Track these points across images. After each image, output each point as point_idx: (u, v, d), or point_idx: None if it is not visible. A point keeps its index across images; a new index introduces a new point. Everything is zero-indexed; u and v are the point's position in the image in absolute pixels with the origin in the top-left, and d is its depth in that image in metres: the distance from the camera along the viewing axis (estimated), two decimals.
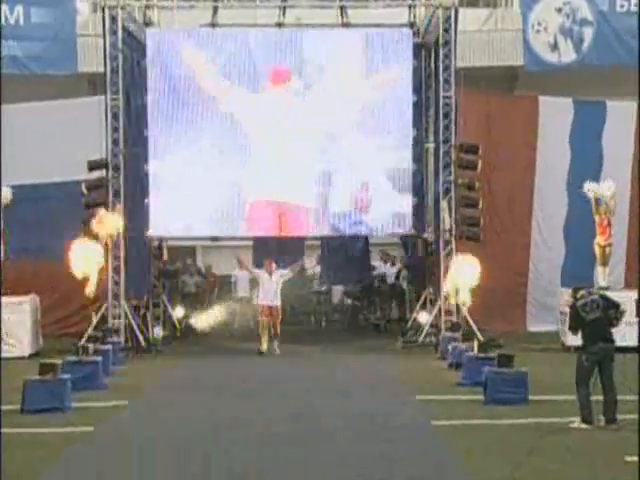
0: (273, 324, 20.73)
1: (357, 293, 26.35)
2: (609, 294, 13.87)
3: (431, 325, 21.68)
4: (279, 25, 22.74)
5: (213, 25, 22.61)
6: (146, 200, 22.40)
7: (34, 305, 21.14)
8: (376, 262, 26.39)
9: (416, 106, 22.80)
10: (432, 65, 22.85)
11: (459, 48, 21.95)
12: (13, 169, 21.83)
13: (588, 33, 25.73)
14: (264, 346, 20.60)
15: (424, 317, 22.07)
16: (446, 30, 21.54)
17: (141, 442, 12.14)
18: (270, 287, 20.80)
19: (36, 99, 23.72)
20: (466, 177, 21.74)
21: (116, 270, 21.15)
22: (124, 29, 21.64)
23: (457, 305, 20.69)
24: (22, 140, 22.99)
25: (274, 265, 21.00)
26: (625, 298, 15.51)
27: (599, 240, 21.15)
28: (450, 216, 21.54)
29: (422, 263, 23.69)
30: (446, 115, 21.67)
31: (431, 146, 23.09)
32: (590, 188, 21.00)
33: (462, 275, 19.79)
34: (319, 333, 24.85)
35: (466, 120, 22.11)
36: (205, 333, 24.47)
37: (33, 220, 22.70)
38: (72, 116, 23.05)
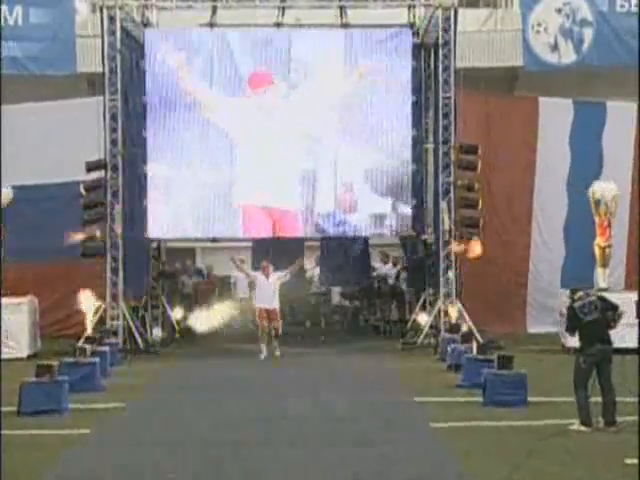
0: (273, 327, 20.59)
1: (354, 294, 26.29)
2: (609, 295, 13.85)
3: (430, 326, 21.65)
4: (278, 25, 22.72)
5: (212, 25, 22.58)
6: (145, 201, 22.37)
7: (32, 306, 21.06)
8: (376, 263, 26.36)
9: (415, 106, 22.77)
10: (432, 65, 22.82)
11: (459, 48, 21.91)
12: (13, 169, 21.79)
13: (588, 34, 25.74)
14: (264, 352, 20.29)
15: (423, 318, 22.04)
16: (446, 30, 21.51)
17: (139, 444, 12.10)
18: (267, 289, 20.52)
19: (35, 99, 23.69)
20: (466, 178, 21.70)
21: (114, 271, 21.09)
22: (123, 29, 21.61)
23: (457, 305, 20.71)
24: (21, 140, 22.93)
25: (271, 267, 20.72)
26: (625, 299, 15.41)
27: (599, 241, 21.10)
28: (450, 217, 21.51)
29: (422, 264, 23.66)
30: (446, 116, 21.63)
31: (430, 147, 23.06)
32: (597, 189, 20.94)
33: None
34: (318, 334, 24.79)
35: (466, 121, 22.12)
36: (204, 334, 24.40)
37: (33, 220, 22.67)
38: (71, 116, 23.00)
